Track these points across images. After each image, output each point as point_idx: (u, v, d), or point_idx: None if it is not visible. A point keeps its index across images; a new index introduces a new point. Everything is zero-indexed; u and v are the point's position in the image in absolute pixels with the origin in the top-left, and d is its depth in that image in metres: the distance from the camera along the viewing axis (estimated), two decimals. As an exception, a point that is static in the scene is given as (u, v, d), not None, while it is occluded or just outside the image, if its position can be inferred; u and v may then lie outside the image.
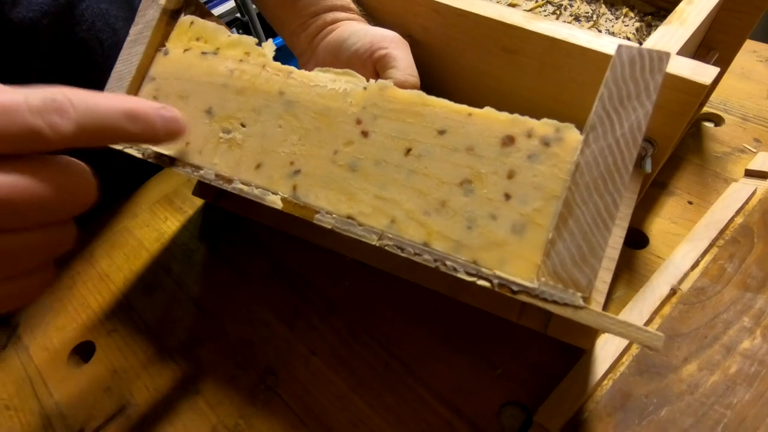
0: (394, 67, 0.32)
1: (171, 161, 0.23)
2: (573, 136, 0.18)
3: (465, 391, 0.27)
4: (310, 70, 0.23)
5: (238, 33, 0.25)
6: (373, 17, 0.37)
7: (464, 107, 0.19)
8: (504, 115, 0.19)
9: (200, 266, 0.36)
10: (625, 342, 0.26)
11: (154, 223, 0.39)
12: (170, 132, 0.20)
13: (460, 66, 0.35)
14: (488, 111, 0.19)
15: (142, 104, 0.19)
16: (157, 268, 0.36)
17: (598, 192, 0.16)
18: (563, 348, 0.28)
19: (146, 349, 0.32)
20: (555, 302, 0.16)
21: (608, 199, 0.16)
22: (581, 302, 0.16)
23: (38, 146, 0.16)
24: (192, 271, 0.35)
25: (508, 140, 0.18)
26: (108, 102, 0.18)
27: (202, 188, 0.38)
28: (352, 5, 0.36)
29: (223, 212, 0.39)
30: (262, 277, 0.34)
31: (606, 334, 0.27)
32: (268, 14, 0.39)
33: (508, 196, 0.18)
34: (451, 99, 0.21)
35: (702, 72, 0.24)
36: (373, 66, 0.33)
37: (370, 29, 0.34)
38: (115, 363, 0.31)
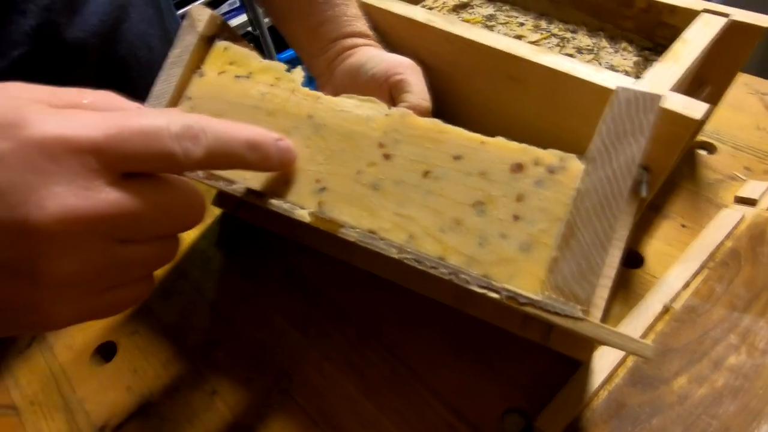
0: (409, 92, 0.34)
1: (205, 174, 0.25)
2: (575, 165, 0.20)
3: (469, 396, 0.29)
4: (327, 91, 0.26)
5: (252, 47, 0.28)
6: (388, 44, 0.40)
7: (478, 136, 0.22)
8: (514, 144, 0.21)
9: (217, 272, 0.38)
10: (620, 355, 0.27)
11: (173, 231, 0.41)
12: (283, 162, 0.21)
13: (469, 92, 0.37)
14: (499, 140, 0.21)
15: (262, 134, 0.20)
16: (176, 273, 0.38)
17: (597, 216, 0.18)
18: (562, 359, 0.29)
19: (165, 351, 0.33)
20: (557, 314, 0.18)
21: (606, 223, 0.18)
22: (580, 314, 0.18)
23: (170, 168, 0.18)
24: (209, 277, 0.37)
25: (518, 167, 0.20)
26: (233, 131, 0.19)
27: (222, 198, 0.40)
28: (369, 32, 0.39)
29: (241, 222, 0.41)
30: (276, 285, 0.36)
31: (603, 348, 0.29)
32: (289, 36, 0.42)
33: (517, 218, 0.20)
34: (459, 122, 0.23)
35: (693, 107, 0.26)
36: (389, 90, 0.35)
37: (386, 55, 0.36)
38: (135, 363, 0.33)
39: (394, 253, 0.21)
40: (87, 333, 0.35)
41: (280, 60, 0.28)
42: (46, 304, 0.17)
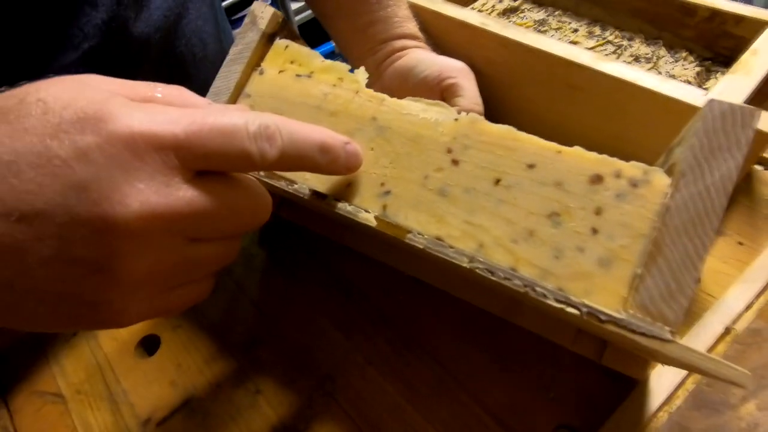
0: (461, 96, 0.34)
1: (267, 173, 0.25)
2: (660, 179, 0.19)
3: (517, 411, 0.28)
4: (375, 92, 0.25)
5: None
6: (439, 46, 0.39)
7: (554, 144, 0.21)
8: (593, 155, 0.20)
9: (260, 271, 0.37)
10: (681, 376, 0.26)
11: (214, 226, 0.41)
12: (350, 166, 0.21)
13: (523, 99, 0.37)
14: (577, 150, 0.20)
15: (333, 137, 0.20)
16: (220, 270, 0.38)
17: (688, 235, 0.17)
18: (615, 377, 0.28)
19: (209, 346, 0.33)
20: (643, 334, 0.17)
21: (697, 242, 0.17)
22: (669, 336, 0.17)
23: (244, 168, 0.18)
24: (252, 275, 0.37)
25: (597, 179, 0.20)
26: (306, 132, 0.19)
27: (264, 196, 0.40)
28: (419, 34, 0.39)
29: (283, 221, 0.41)
30: (318, 286, 0.36)
31: (660, 367, 0.28)
32: (335, 35, 0.41)
33: (595, 231, 0.19)
34: None
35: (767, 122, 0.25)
36: (441, 93, 0.35)
37: (438, 58, 0.36)
38: (179, 357, 0.33)
39: (464, 262, 0.20)
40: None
41: None
42: (118, 302, 0.17)
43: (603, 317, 0.18)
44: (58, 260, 0.16)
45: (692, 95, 0.28)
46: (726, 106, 0.18)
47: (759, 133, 0.25)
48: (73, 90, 0.16)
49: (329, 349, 0.32)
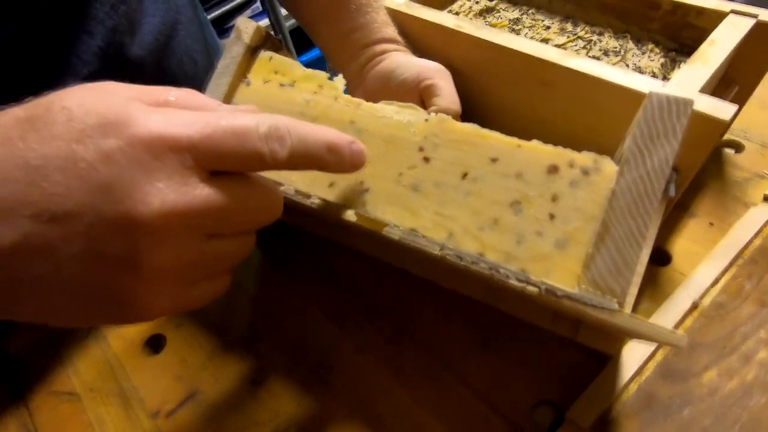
0: (438, 96, 0.36)
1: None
2: (609, 167, 0.21)
3: (501, 388, 0.30)
4: (358, 95, 0.27)
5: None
6: (417, 48, 0.41)
7: (514, 139, 0.23)
8: (549, 147, 0.22)
9: (257, 269, 0.40)
10: (649, 349, 0.28)
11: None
12: (356, 164, 0.22)
13: (498, 95, 0.38)
14: (535, 143, 0.22)
15: (339, 137, 0.21)
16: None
17: (631, 215, 0.19)
18: (591, 354, 0.30)
19: (211, 342, 0.35)
20: (594, 306, 0.19)
21: (640, 221, 0.19)
22: (616, 307, 0.19)
23: (255, 167, 0.19)
24: (250, 273, 0.39)
25: (553, 169, 0.22)
26: (315, 133, 0.20)
27: (258, 199, 0.42)
28: (398, 38, 0.40)
29: (278, 223, 0.43)
30: (312, 281, 0.38)
31: (631, 342, 0.29)
32: (319, 41, 0.43)
33: (552, 217, 0.21)
34: (488, 126, 0.24)
35: (722, 109, 0.27)
36: (419, 94, 0.37)
37: (416, 61, 0.38)
38: (183, 354, 0.35)
39: (436, 250, 0.22)
40: (137, 325, 0.37)
41: (301, 62, 0.29)
42: (142, 296, 0.18)
43: (559, 293, 0.20)
44: (87, 257, 0.17)
45: (653, 87, 0.30)
46: (663, 98, 0.20)
47: (716, 121, 0.27)
48: (94, 97, 0.17)
49: (323, 340, 0.34)
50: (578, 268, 0.20)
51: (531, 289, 0.20)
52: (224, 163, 0.18)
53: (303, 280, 0.38)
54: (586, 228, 0.20)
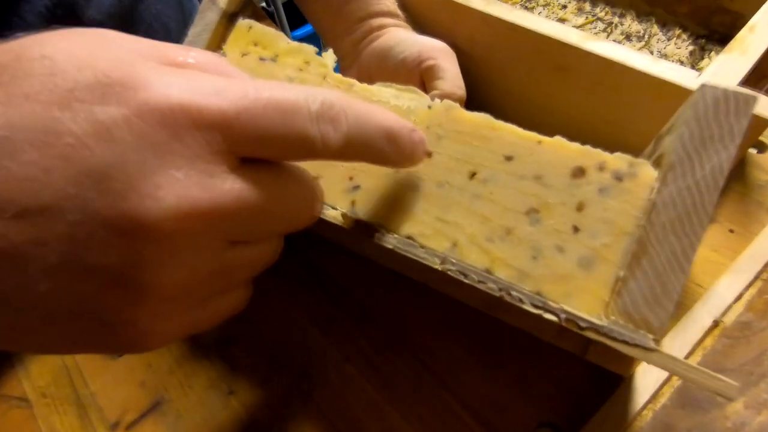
0: (442, 78, 0.32)
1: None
2: (647, 172, 0.17)
3: (499, 408, 0.27)
4: (351, 74, 0.23)
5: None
6: (419, 24, 0.37)
7: (533, 134, 0.19)
8: (575, 146, 0.19)
9: (234, 265, 0.36)
10: (666, 372, 0.25)
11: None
12: (416, 158, 0.18)
13: (506, 80, 0.35)
14: (559, 140, 0.19)
15: (400, 123, 0.17)
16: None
17: (675, 233, 0.16)
18: (599, 373, 0.28)
19: (180, 345, 0.32)
20: (625, 342, 0.16)
21: (685, 242, 0.16)
22: (653, 344, 0.16)
23: (301, 155, 0.15)
24: (226, 270, 0.36)
25: (579, 172, 0.18)
26: (373, 116, 0.16)
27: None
28: (398, 12, 0.36)
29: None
30: (296, 281, 0.34)
31: (645, 363, 0.27)
32: (310, 14, 0.39)
33: (576, 229, 0.18)
34: (495, 116, 0.20)
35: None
36: (420, 76, 0.33)
37: (418, 38, 0.34)
38: (149, 357, 0.32)
39: (436, 264, 0.19)
40: (100, 324, 0.34)
41: (294, 38, 0.25)
42: (141, 322, 0.14)
43: (583, 324, 0.16)
44: (69, 270, 0.12)
45: (685, 77, 0.26)
46: (720, 93, 0.16)
47: (756, 119, 0.24)
48: (90, 46, 0.13)
49: (306, 347, 0.31)
50: (606, 293, 0.17)
51: (549, 317, 0.17)
52: (264, 148, 0.14)
53: (285, 279, 0.34)
54: (616, 245, 0.17)
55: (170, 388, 0.30)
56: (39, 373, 0.32)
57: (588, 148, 0.18)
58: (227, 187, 0.13)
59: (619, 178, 0.18)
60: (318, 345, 0.31)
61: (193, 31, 0.26)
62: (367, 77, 0.28)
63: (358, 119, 0.15)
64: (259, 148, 0.14)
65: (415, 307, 0.32)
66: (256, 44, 0.26)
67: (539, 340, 0.28)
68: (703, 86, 0.17)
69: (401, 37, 0.34)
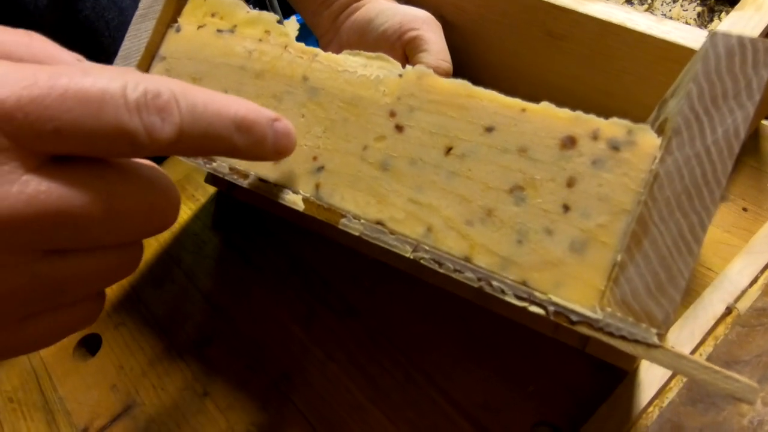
0: (426, 51, 0.29)
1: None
2: (648, 140, 0.15)
3: (493, 408, 0.25)
4: (333, 51, 0.21)
5: (255, 9, 0.23)
6: (403, -5, 0.34)
7: (517, 101, 0.17)
8: (564, 112, 0.16)
9: (212, 259, 0.34)
10: (674, 366, 0.23)
11: (165, 211, 0.38)
12: (280, 150, 0.16)
13: (497, 51, 0.32)
14: (546, 106, 0.16)
15: (255, 111, 0.15)
16: (168, 259, 0.34)
17: (682, 210, 0.14)
18: (600, 367, 0.25)
19: (154, 346, 0.30)
20: (623, 338, 0.14)
21: (694, 219, 0.13)
22: (656, 340, 0.13)
23: (123, 152, 0.13)
24: (204, 264, 0.34)
25: (569, 142, 0.16)
26: (218, 104, 0.14)
27: (215, 176, 0.36)
28: (380, -19, 0.34)
29: (238, 202, 0.37)
30: (277, 274, 0.32)
31: (651, 355, 0.24)
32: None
33: (566, 208, 0.15)
34: (486, 87, 0.18)
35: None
36: (403, 49, 0.30)
37: (399, 8, 0.31)
38: (121, 358, 0.30)
39: (407, 252, 0.16)
40: (70, 324, 0.32)
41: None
42: None
43: (574, 318, 0.14)
44: None
45: (693, 37, 0.23)
46: (734, 41, 0.14)
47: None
48: None
49: (286, 345, 0.29)
50: (601, 281, 0.14)
51: (536, 309, 0.15)
52: (68, 144, 0.12)
53: (266, 272, 0.32)
54: (613, 225, 0.15)
55: (142, 391, 0.28)
56: (6, 377, 0.30)
57: (579, 114, 0.16)
58: (16, 190, 0.12)
59: (615, 147, 0.15)
60: (298, 342, 0.29)
61: (144, 3, 0.24)
62: None
63: (195, 108, 0.14)
64: (62, 144, 0.12)
65: (404, 301, 0.30)
66: (213, 14, 0.23)
67: (535, 333, 0.26)
68: (713, 34, 0.14)
69: (382, 8, 0.31)
